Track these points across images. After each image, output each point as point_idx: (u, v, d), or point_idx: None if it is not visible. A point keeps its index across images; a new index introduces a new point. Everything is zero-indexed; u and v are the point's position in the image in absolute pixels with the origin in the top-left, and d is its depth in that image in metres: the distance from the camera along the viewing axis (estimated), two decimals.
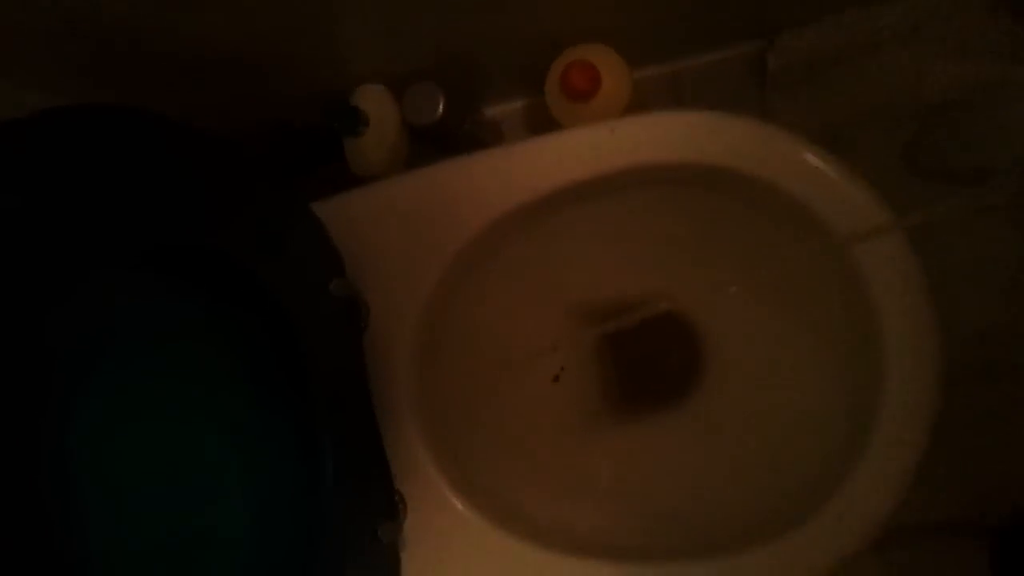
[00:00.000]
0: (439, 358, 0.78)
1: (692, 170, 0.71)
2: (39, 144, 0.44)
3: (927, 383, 0.66)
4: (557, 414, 0.90)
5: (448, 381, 0.80)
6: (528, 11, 0.86)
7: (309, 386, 0.63)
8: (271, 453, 0.64)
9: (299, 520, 0.62)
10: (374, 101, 0.89)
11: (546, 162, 0.73)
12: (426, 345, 0.76)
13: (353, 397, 0.70)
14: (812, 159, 0.69)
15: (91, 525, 0.49)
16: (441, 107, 0.89)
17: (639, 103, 0.93)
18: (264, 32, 0.76)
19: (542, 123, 1.03)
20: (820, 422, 0.75)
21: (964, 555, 1.00)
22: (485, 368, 0.85)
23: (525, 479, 0.81)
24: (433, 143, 0.95)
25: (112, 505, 0.51)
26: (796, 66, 1.03)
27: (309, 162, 0.97)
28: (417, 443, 0.73)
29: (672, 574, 0.69)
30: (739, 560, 0.68)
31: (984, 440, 0.99)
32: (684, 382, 0.88)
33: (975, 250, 0.99)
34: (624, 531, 0.78)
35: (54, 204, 0.45)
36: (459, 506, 0.72)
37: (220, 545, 0.59)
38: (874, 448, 0.66)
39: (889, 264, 0.68)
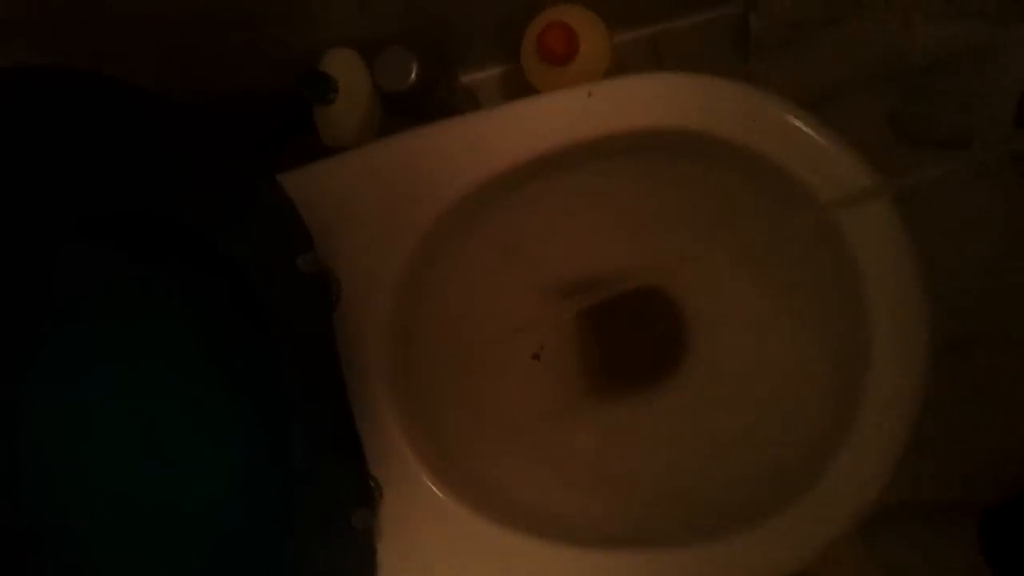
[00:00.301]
0: (414, 336, 0.76)
1: (674, 136, 0.68)
2: None
3: (916, 357, 0.64)
4: (537, 393, 0.88)
5: (424, 360, 0.77)
6: None
7: (276, 365, 0.61)
8: (238, 435, 0.61)
9: (269, 506, 0.60)
10: (344, 66, 0.85)
11: (522, 128, 0.71)
12: (400, 322, 0.73)
13: (323, 376, 0.67)
14: (797, 123, 0.66)
15: (46, 503, 0.47)
16: (414, 73, 0.86)
17: (619, 68, 0.90)
18: None
19: (519, 90, 1.00)
20: (807, 398, 0.73)
21: (952, 534, 0.98)
22: (462, 345, 0.82)
23: (505, 461, 0.79)
24: (406, 111, 0.92)
25: (68, 483, 0.48)
26: (779, 29, 1.00)
27: (278, 133, 0.93)
28: (392, 425, 0.70)
29: (656, 559, 0.66)
30: (724, 544, 0.65)
31: (969, 416, 0.97)
32: (667, 359, 0.86)
33: (959, 220, 0.98)
34: (606, 514, 0.76)
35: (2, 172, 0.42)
36: (436, 491, 0.69)
37: (185, 525, 0.56)
38: (861, 426, 0.64)
39: (877, 232, 0.65)
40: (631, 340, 0.89)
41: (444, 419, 0.77)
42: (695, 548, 0.66)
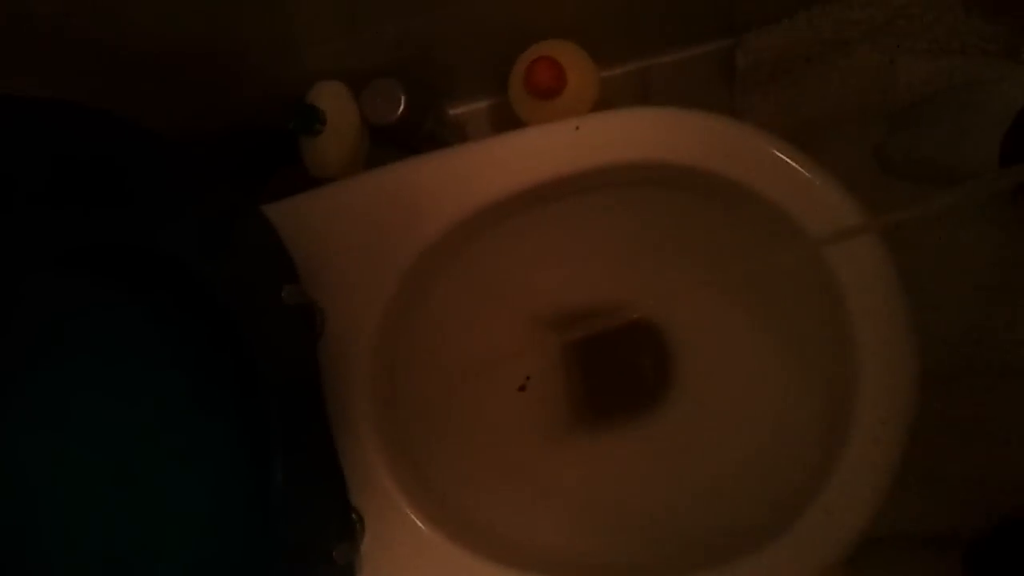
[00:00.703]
0: (398, 367, 0.75)
1: (661, 170, 0.68)
2: None
3: (903, 390, 0.63)
4: (523, 425, 0.87)
5: (408, 391, 0.76)
6: (492, 5, 0.84)
7: (259, 397, 0.60)
8: (218, 468, 0.60)
9: (248, 542, 0.59)
10: (332, 99, 0.86)
11: (509, 161, 0.70)
12: (385, 354, 0.72)
13: (306, 409, 0.67)
14: (784, 158, 0.66)
15: (18, 532, 0.46)
16: (402, 106, 0.86)
17: (606, 102, 0.90)
18: (214, 24, 0.72)
19: (507, 123, 1.00)
20: (794, 431, 0.72)
21: (936, 567, 0.98)
22: (447, 377, 0.82)
23: (490, 494, 0.78)
24: (394, 143, 0.92)
25: (44, 519, 0.47)
26: (765, 64, 1.01)
27: (264, 164, 0.93)
28: (375, 457, 0.69)
29: None
30: None
31: (953, 448, 0.96)
32: (654, 391, 0.85)
33: (946, 252, 0.98)
34: (592, 547, 0.75)
35: None
36: (419, 524, 0.68)
37: (162, 562, 0.55)
38: (849, 458, 0.63)
39: (863, 266, 0.65)
40: (617, 372, 0.89)
41: (428, 451, 0.76)
42: None
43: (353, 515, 0.68)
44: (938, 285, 0.96)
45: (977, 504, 0.96)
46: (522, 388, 0.88)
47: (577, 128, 0.69)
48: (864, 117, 1.00)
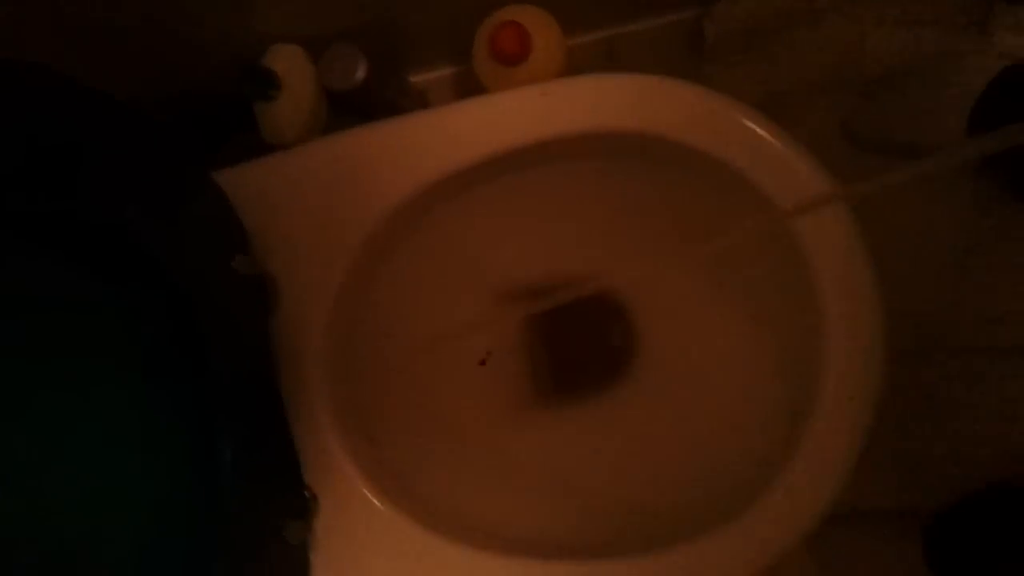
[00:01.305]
0: (355, 341, 0.73)
1: (628, 138, 0.66)
2: None
3: (870, 367, 0.62)
4: (483, 400, 0.85)
5: (365, 366, 0.74)
6: None
7: (206, 371, 0.57)
8: (163, 445, 0.57)
9: (195, 519, 0.56)
10: (288, 62, 0.82)
11: (472, 128, 0.68)
12: (341, 327, 0.70)
13: (258, 383, 0.64)
14: (754, 127, 0.65)
15: None
16: (362, 71, 0.83)
17: (572, 71, 0.88)
18: None
19: (471, 91, 0.97)
20: (759, 407, 0.71)
21: (896, 542, 0.98)
22: (405, 351, 0.80)
23: (448, 471, 0.77)
24: (353, 111, 0.89)
25: None
26: (734, 35, 0.99)
27: (217, 130, 0.90)
28: (330, 434, 0.67)
29: (604, 570, 0.64)
30: (672, 556, 0.63)
31: (916, 424, 0.97)
32: (618, 366, 0.84)
33: (915, 228, 0.97)
34: (553, 525, 0.74)
35: None
36: (376, 502, 0.67)
37: (103, 548, 0.52)
38: (814, 435, 0.62)
39: (831, 238, 0.64)
40: (580, 346, 0.87)
41: (385, 428, 0.74)
42: (645, 558, 0.64)
43: (306, 492, 0.66)
44: (907, 261, 0.95)
45: (940, 481, 0.97)
46: (483, 363, 0.86)
47: (543, 94, 0.67)
48: (834, 89, 0.99)
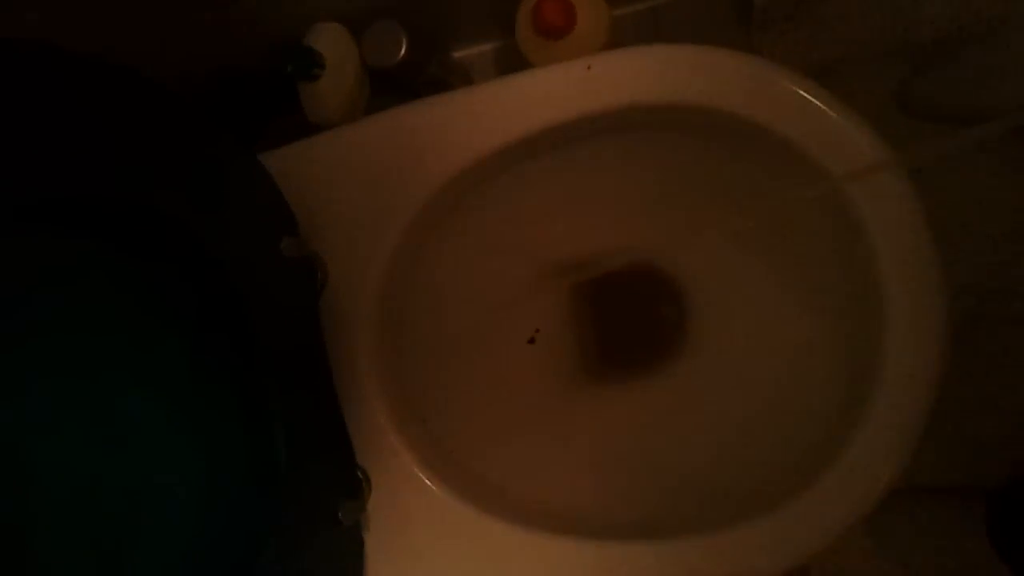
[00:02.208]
0: (404, 321, 0.73)
1: (678, 111, 0.65)
2: None
3: (932, 342, 0.60)
4: (533, 378, 0.85)
5: (414, 346, 0.74)
6: None
7: (258, 355, 0.57)
8: (215, 429, 0.57)
9: (249, 503, 0.57)
10: (331, 41, 0.82)
11: (517, 104, 0.67)
12: (389, 308, 0.70)
13: (307, 366, 0.64)
14: (806, 95, 0.63)
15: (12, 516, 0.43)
16: (404, 48, 0.83)
17: (617, 43, 0.86)
18: None
19: (514, 66, 0.97)
20: (817, 382, 0.70)
21: (958, 518, 0.96)
22: (454, 331, 0.79)
23: (500, 450, 0.76)
24: (395, 88, 0.88)
25: (20, 484, 0.45)
26: (783, 2, 0.96)
27: (262, 112, 0.90)
28: (381, 415, 0.67)
29: (660, 552, 0.63)
30: (734, 532, 0.62)
31: (977, 397, 0.94)
32: (668, 342, 0.82)
33: (966, 198, 0.95)
34: (606, 503, 0.74)
35: None
36: (428, 482, 0.66)
37: (157, 529, 0.52)
38: (876, 409, 0.61)
39: (889, 206, 0.61)
40: (630, 323, 0.86)
41: (436, 407, 0.74)
42: (704, 537, 0.63)
43: (359, 473, 0.66)
44: (963, 232, 0.93)
45: (999, 455, 0.94)
46: (531, 341, 0.86)
47: (589, 68, 0.65)
48: (887, 56, 0.96)
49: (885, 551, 0.99)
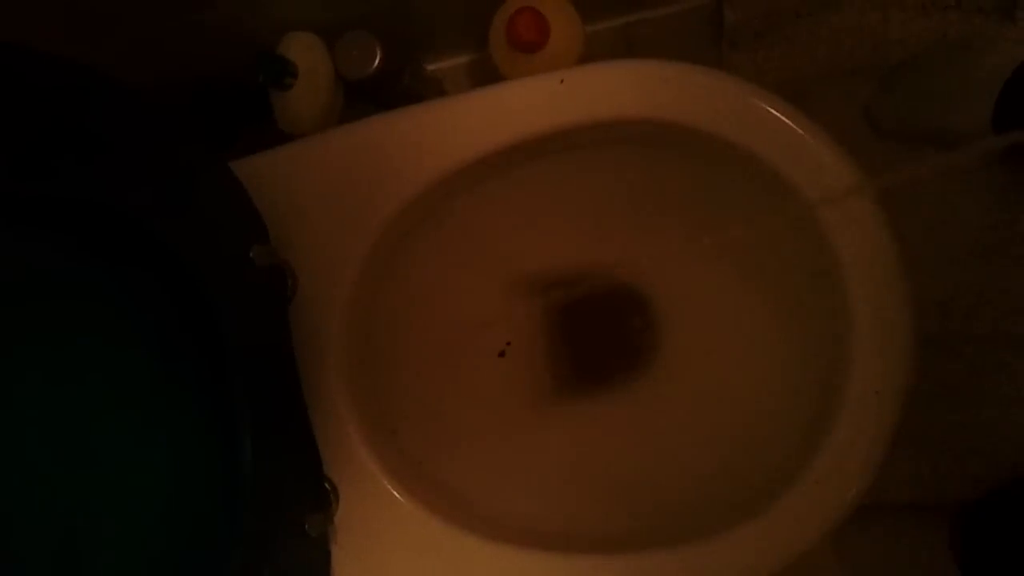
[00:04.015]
0: (373, 332, 0.72)
1: (650, 127, 0.65)
2: None
3: (899, 358, 0.61)
4: (503, 392, 0.85)
5: (384, 357, 0.74)
6: None
7: (225, 363, 0.57)
8: (182, 439, 0.57)
9: (213, 512, 0.56)
10: (304, 50, 0.82)
11: (492, 116, 0.67)
12: (359, 318, 0.70)
13: (276, 375, 0.64)
14: (778, 114, 0.63)
15: None
16: (378, 59, 0.83)
17: (590, 59, 0.86)
18: None
19: (487, 79, 0.97)
20: (786, 398, 0.70)
21: (922, 534, 0.97)
22: (424, 343, 0.79)
23: (469, 463, 0.76)
24: (369, 99, 0.88)
25: None
26: (754, 20, 0.98)
27: (233, 120, 0.89)
28: (349, 426, 0.67)
29: (627, 566, 0.63)
30: (696, 550, 0.62)
31: (946, 414, 0.95)
32: (639, 356, 0.83)
33: (938, 217, 0.96)
34: (575, 518, 0.73)
35: None
36: (396, 494, 0.66)
37: (120, 539, 0.51)
38: (842, 429, 0.61)
39: (859, 229, 0.62)
40: (601, 339, 0.86)
41: (405, 419, 0.74)
42: (669, 552, 0.63)
43: (326, 484, 0.65)
44: (930, 250, 0.94)
45: (966, 471, 0.95)
46: (502, 354, 0.86)
47: (562, 81, 0.66)
48: (855, 76, 0.97)
49: (848, 567, 0.99)
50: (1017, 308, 0.94)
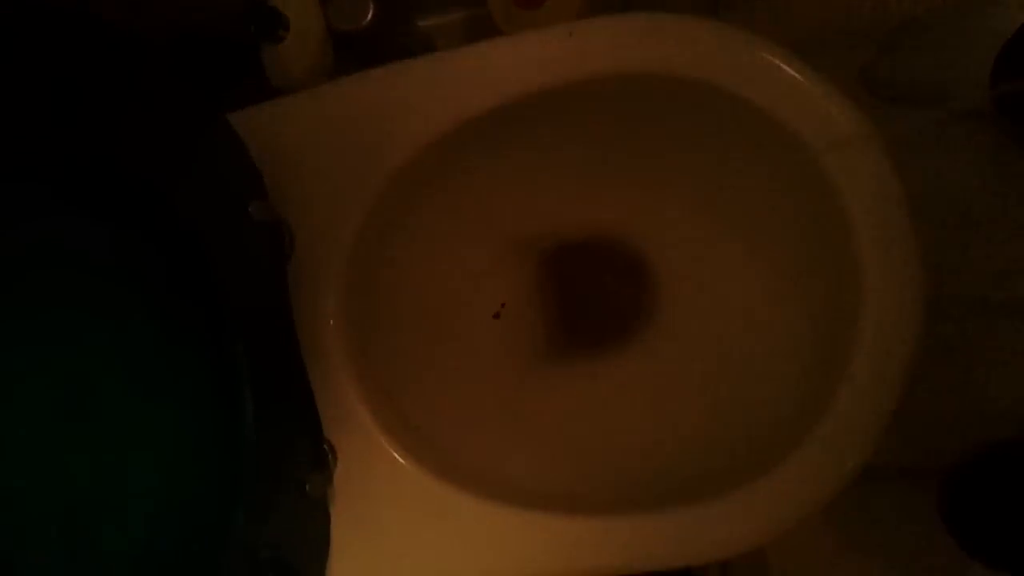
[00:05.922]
0: (371, 291, 0.71)
1: (658, 80, 0.63)
2: None
3: (910, 318, 0.60)
4: (499, 352, 0.84)
5: (381, 316, 0.72)
6: None
7: (224, 322, 0.55)
8: (181, 398, 0.55)
9: (215, 474, 0.55)
10: (295, 3, 0.79)
11: (497, 69, 0.65)
12: (357, 276, 0.68)
13: (275, 334, 0.62)
14: (780, 64, 0.62)
15: None
16: (370, 12, 0.81)
17: (590, 14, 0.85)
18: None
19: (484, 36, 0.94)
20: (789, 359, 0.69)
21: (910, 500, 0.97)
22: (420, 304, 0.78)
23: (465, 424, 0.75)
24: (360, 55, 0.86)
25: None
26: None
27: (223, 74, 0.87)
28: (348, 386, 0.65)
29: (627, 527, 0.63)
30: (695, 511, 0.61)
31: (933, 379, 0.96)
32: (636, 318, 0.82)
33: (932, 179, 0.96)
34: (570, 479, 0.73)
35: None
36: (395, 455, 0.65)
37: (123, 501, 0.50)
38: (850, 393, 0.59)
39: (866, 175, 0.60)
40: (598, 298, 0.85)
41: (403, 380, 0.73)
42: (668, 515, 0.62)
43: (325, 446, 0.64)
44: (919, 211, 0.94)
45: (952, 435, 0.96)
46: (497, 315, 0.85)
47: (571, 34, 0.64)
48: (852, 36, 0.97)
49: (836, 530, 1.00)
50: (1005, 271, 0.94)
